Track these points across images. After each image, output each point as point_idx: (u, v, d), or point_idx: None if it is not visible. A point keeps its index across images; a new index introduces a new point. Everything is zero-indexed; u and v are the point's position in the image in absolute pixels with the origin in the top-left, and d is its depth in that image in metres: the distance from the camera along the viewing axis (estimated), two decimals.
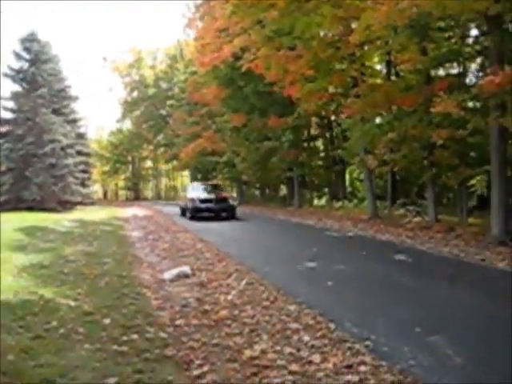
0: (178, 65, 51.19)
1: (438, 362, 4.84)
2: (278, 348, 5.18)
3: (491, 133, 13.15)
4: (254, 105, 26.32)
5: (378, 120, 20.56)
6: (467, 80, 18.38)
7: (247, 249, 12.81)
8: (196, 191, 22.97)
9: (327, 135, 30.94)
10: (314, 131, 31.76)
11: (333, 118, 29.43)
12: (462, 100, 13.21)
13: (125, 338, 5.36)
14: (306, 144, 30.00)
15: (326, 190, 32.13)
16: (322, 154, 31.78)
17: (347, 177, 32.20)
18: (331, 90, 22.07)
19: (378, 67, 24.77)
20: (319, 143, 33.38)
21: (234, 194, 24.84)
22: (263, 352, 5.07)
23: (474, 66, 19.18)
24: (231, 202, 22.17)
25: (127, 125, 64.95)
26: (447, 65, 18.67)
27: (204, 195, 22.04)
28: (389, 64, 20.91)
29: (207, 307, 6.78)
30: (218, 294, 7.56)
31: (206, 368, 4.69)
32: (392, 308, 6.82)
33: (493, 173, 13.18)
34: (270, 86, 22.63)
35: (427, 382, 4.35)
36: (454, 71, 18.87)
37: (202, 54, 26.03)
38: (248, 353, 5.04)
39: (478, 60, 17.89)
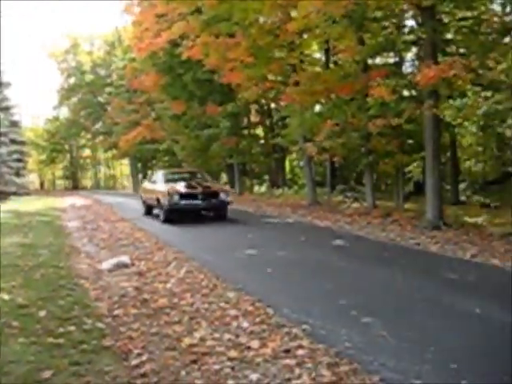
0: (116, 51, 50.21)
1: (373, 343, 4.97)
2: (217, 335, 5.20)
3: (425, 120, 13.51)
4: (193, 92, 26.12)
5: (317, 108, 20.81)
6: (403, 68, 18.78)
7: (186, 237, 12.76)
8: (170, 182, 16.57)
9: (267, 123, 31.08)
10: (253, 118, 31.80)
11: (273, 105, 29.57)
12: (395, 85, 13.51)
13: (61, 330, 5.25)
14: (245, 131, 30.04)
15: (267, 177, 32.34)
16: (262, 142, 31.90)
17: (287, 164, 32.50)
18: (271, 77, 22.15)
19: (318, 56, 25.01)
20: (259, 130, 33.48)
21: (227, 186, 18.25)
22: (202, 339, 5.08)
23: (409, 55, 19.61)
24: (223, 197, 15.81)
25: (64, 112, 63.32)
26: (384, 54, 19.02)
27: (185, 188, 15.67)
28: (327, 52, 21.14)
29: (146, 296, 6.73)
30: (158, 283, 7.50)
31: (144, 357, 4.66)
32: (330, 292, 6.95)
33: (427, 159, 13.56)
34: (209, 73, 22.53)
35: (362, 362, 4.47)
36: (391, 60, 19.26)
37: (140, 40, 25.59)
38: (187, 341, 5.03)
39: (414, 49, 18.29)
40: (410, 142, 19.17)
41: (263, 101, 28.42)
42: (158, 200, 15.97)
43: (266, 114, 30.86)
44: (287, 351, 4.72)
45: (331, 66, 21.00)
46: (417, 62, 17.81)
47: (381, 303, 6.38)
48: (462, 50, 15.64)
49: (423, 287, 7.17)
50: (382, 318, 5.64)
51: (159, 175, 18.07)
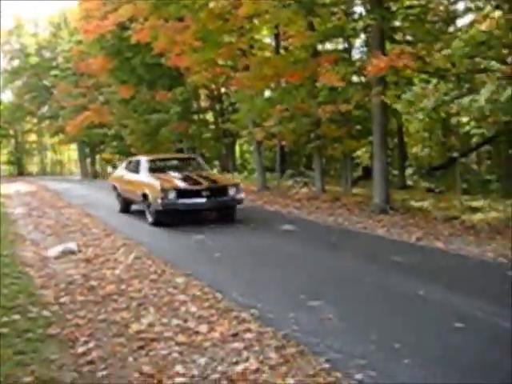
0: (62, 33, 48.89)
1: (320, 325, 5.07)
2: (166, 320, 5.20)
3: (373, 106, 13.73)
4: (142, 76, 25.73)
5: (267, 93, 20.83)
6: (353, 54, 18.96)
7: (135, 222, 12.61)
8: (157, 172, 13.10)
9: (217, 108, 30.95)
10: (203, 103, 31.60)
11: (223, 90, 29.43)
12: (345, 73, 13.64)
13: (5, 319, 5.16)
14: (195, 116, 29.81)
15: (217, 162, 32.26)
16: (212, 127, 31.76)
17: (237, 149, 32.46)
18: (221, 62, 22.02)
19: (268, 41, 24.99)
20: (209, 115, 33.30)
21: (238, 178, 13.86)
22: (150, 325, 5.07)
23: (358, 42, 19.80)
24: (233, 193, 12.03)
25: (8, 96, 61.37)
26: (335, 40, 19.15)
27: (183, 182, 12.09)
28: (277, 38, 21.14)
29: (94, 283, 6.65)
30: (105, 270, 7.43)
31: (91, 344, 4.62)
32: (278, 277, 7.02)
33: (375, 145, 13.79)
34: (158, 57, 22.21)
35: (309, 344, 4.55)
36: (341, 46, 19.41)
37: (86, 22, 24.98)
38: (135, 327, 5.01)
39: (363, 36, 18.47)
40: (359, 127, 19.45)
41: (213, 86, 28.24)
42: (144, 196, 12.15)
43: (216, 99, 30.70)
44: (235, 335, 4.77)
45: (281, 51, 21.02)
46: (365, 48, 18.00)
47: (328, 287, 6.50)
48: (409, 38, 15.91)
49: (369, 270, 7.33)
50: (329, 301, 5.74)
51: (142, 162, 13.71)
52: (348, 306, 5.68)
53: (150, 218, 11.97)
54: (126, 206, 14.28)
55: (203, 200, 11.52)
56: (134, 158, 15.16)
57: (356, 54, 19.02)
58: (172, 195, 11.31)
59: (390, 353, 4.40)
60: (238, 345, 4.54)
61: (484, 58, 11.56)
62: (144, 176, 12.88)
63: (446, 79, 14.23)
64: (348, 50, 18.56)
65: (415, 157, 25.85)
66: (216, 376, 3.99)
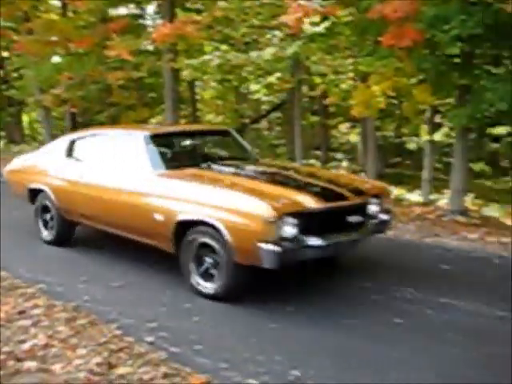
0: None
1: (111, 294, 5.12)
2: None
3: (165, 73, 13.82)
4: None
5: (57, 59, 19.74)
6: (146, 21, 18.69)
7: None
8: (186, 166, 5.72)
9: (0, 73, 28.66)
10: None
11: (5, 54, 27.26)
12: (133, 45, 13.47)
13: None
14: None
15: (2, 133, 30.00)
16: None
17: (25, 118, 30.53)
18: (2, 24, 20.30)
19: (55, 3, 23.58)
20: None
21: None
22: None
23: (152, 9, 19.52)
24: (376, 209, 5.30)
25: None
26: (130, 6, 18.67)
27: (318, 199, 4.72)
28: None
29: None
30: None
31: None
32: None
33: (167, 111, 13.99)
34: None
35: (100, 313, 4.58)
36: (135, 12, 18.99)
37: None
38: None
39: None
40: (153, 95, 19.39)
41: None
42: (174, 230, 5.09)
43: None
44: (22, 312, 4.61)
45: (70, 14, 19.97)
46: (157, 16, 17.89)
47: (124, 257, 6.45)
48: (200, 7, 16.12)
49: None
50: (120, 270, 5.79)
51: (140, 144, 5.80)
52: (141, 271, 5.75)
53: (205, 284, 4.96)
54: (66, 232, 7.03)
55: (354, 236, 5.11)
56: (99, 132, 7.16)
57: (149, 21, 18.82)
58: (293, 229, 4.57)
59: (180, 313, 4.58)
60: (25, 322, 4.40)
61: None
62: (183, 191, 5.22)
63: (234, 47, 14.84)
64: (141, 17, 18.29)
65: (210, 124, 26.52)
66: (1, 357, 3.80)
